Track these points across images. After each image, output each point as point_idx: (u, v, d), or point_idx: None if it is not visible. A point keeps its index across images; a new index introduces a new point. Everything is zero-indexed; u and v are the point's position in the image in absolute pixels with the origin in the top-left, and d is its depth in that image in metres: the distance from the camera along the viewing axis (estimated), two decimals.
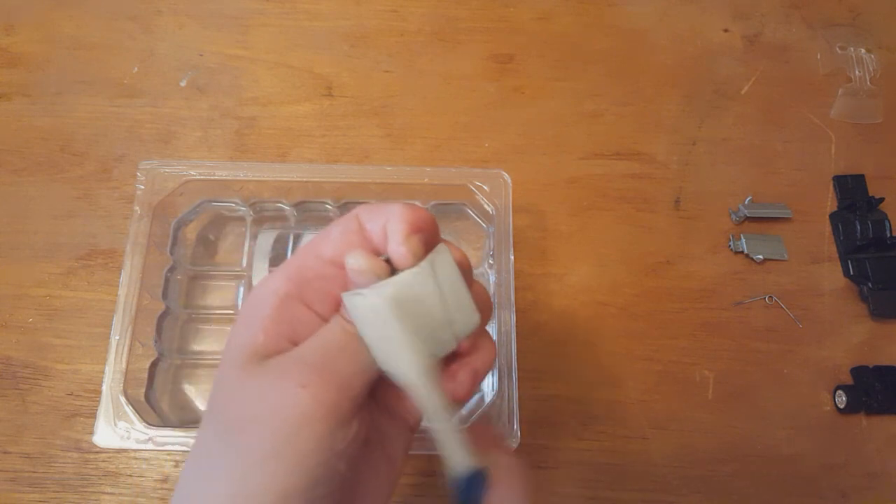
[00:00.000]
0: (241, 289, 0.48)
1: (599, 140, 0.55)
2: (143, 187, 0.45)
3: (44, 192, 0.51)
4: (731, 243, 0.52)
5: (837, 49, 0.60)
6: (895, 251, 0.51)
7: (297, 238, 0.49)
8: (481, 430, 0.32)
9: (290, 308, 0.25)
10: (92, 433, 0.39)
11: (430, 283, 0.24)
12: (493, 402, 0.41)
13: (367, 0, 0.59)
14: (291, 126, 0.54)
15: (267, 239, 0.48)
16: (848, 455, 0.46)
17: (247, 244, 0.49)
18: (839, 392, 0.47)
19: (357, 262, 0.24)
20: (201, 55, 0.57)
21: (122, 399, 0.39)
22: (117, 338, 0.41)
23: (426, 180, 0.46)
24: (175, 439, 0.39)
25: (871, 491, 0.46)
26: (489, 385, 0.43)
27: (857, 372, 0.48)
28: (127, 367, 0.40)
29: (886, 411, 0.47)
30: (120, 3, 0.58)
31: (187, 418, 0.45)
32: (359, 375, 0.24)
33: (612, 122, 0.56)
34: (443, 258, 0.25)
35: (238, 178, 0.45)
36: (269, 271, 0.47)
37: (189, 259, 0.49)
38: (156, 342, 0.44)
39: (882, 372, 0.48)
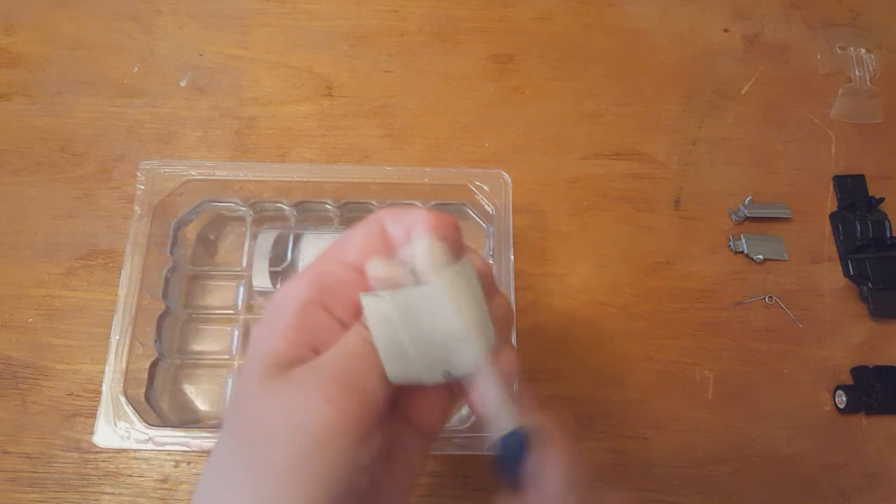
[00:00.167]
0: (241, 289, 0.48)
1: (599, 140, 0.55)
2: (143, 187, 0.45)
3: (44, 192, 0.51)
4: (731, 243, 0.52)
5: (837, 49, 0.60)
6: (895, 251, 0.51)
7: (297, 238, 0.49)
8: (527, 392, 0.30)
9: (311, 315, 0.24)
10: (92, 433, 0.39)
11: (450, 294, 0.23)
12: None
13: (367, 0, 0.59)
14: (291, 126, 0.54)
15: (267, 239, 0.48)
16: (848, 455, 0.46)
17: (247, 244, 0.49)
18: (839, 392, 0.47)
19: (378, 269, 0.24)
20: (201, 55, 0.57)
21: (122, 399, 0.39)
22: (117, 338, 0.41)
23: (426, 180, 0.46)
24: (175, 439, 0.39)
25: (871, 491, 0.46)
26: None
27: (857, 372, 0.48)
28: (127, 367, 0.40)
29: (886, 411, 0.47)
30: (120, 3, 0.58)
31: (187, 418, 0.45)
32: (381, 387, 0.23)
33: (612, 122, 0.56)
34: (465, 269, 0.24)
35: (238, 178, 0.45)
36: (269, 271, 0.47)
37: (189, 259, 0.49)
38: (156, 342, 0.44)
39: (882, 372, 0.48)
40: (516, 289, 0.45)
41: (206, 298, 0.49)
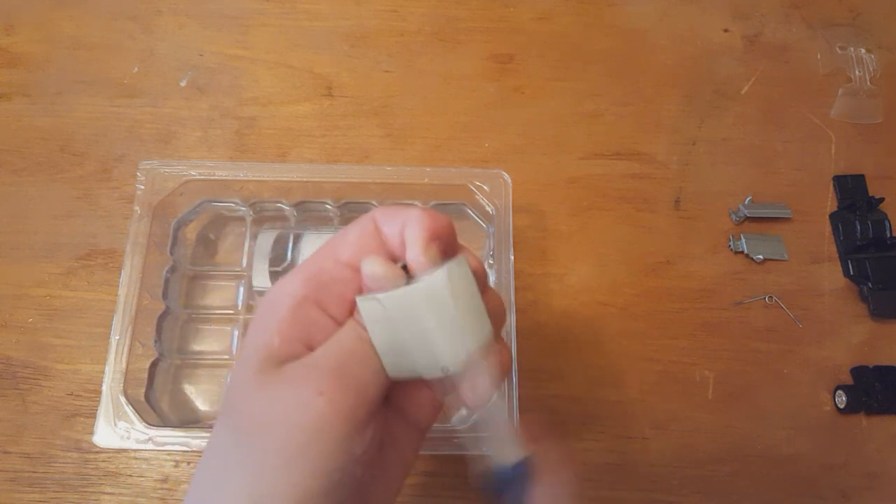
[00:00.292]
0: (241, 289, 0.48)
1: (599, 140, 0.55)
2: (143, 187, 0.45)
3: (44, 192, 0.51)
4: (731, 243, 0.52)
5: (837, 49, 0.60)
6: (895, 251, 0.51)
7: (297, 238, 0.49)
8: (530, 419, 0.31)
9: (305, 311, 0.24)
10: (92, 433, 0.39)
11: (445, 292, 0.24)
12: (492, 403, 0.41)
13: (367, 0, 0.59)
14: (291, 126, 0.54)
15: (267, 239, 0.48)
16: (848, 455, 0.46)
17: (247, 244, 0.49)
18: (839, 392, 0.47)
19: (372, 268, 0.24)
20: (201, 55, 0.57)
21: (122, 399, 0.39)
22: (117, 338, 0.41)
23: (426, 180, 0.46)
24: (175, 439, 0.39)
25: (871, 491, 0.46)
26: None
27: (857, 372, 0.48)
28: (127, 367, 0.40)
29: (886, 411, 0.47)
30: (120, 3, 0.58)
31: (187, 418, 0.45)
32: (374, 381, 0.24)
33: (612, 122, 0.56)
34: (460, 269, 0.24)
35: (238, 178, 0.45)
36: (269, 271, 0.47)
37: (189, 259, 0.49)
38: (156, 342, 0.44)
39: (882, 372, 0.48)
40: (516, 289, 0.45)
41: (206, 298, 0.49)
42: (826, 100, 0.58)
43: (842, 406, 0.47)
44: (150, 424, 0.39)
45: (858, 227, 0.52)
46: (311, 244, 0.48)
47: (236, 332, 0.47)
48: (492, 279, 0.45)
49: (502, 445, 0.25)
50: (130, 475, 0.44)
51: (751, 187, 0.54)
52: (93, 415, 0.41)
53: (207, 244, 0.50)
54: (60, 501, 0.43)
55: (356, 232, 0.26)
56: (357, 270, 0.25)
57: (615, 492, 0.45)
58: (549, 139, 0.55)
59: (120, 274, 0.42)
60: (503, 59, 0.58)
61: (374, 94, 0.56)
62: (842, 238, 0.52)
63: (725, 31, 0.60)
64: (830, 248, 0.52)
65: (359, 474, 0.23)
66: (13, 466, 0.43)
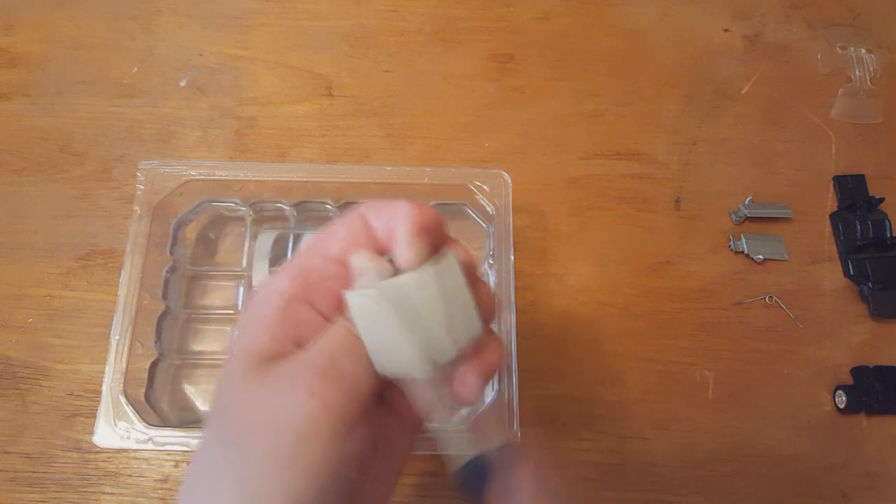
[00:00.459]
0: (241, 289, 0.48)
1: (599, 140, 0.55)
2: (142, 187, 0.45)
3: (44, 192, 0.51)
4: (732, 243, 0.52)
5: (838, 49, 0.60)
6: (895, 251, 0.51)
7: (297, 238, 0.49)
8: (483, 421, 0.31)
9: (294, 309, 0.24)
10: (92, 433, 0.39)
11: (434, 287, 0.24)
12: (493, 402, 0.41)
13: (367, 0, 0.59)
14: (291, 126, 0.54)
15: (267, 239, 0.48)
16: (848, 455, 0.46)
17: (247, 244, 0.49)
18: (839, 392, 0.47)
19: (361, 262, 0.24)
20: (201, 55, 0.57)
21: (122, 399, 0.39)
22: (117, 338, 0.41)
23: (426, 180, 0.46)
24: (175, 439, 0.39)
25: (871, 491, 0.46)
26: (490, 385, 0.43)
27: (858, 372, 0.48)
28: (127, 367, 0.40)
29: (887, 411, 0.47)
30: (120, 3, 0.58)
31: (187, 418, 0.45)
32: (366, 378, 0.24)
33: (612, 122, 0.56)
34: (449, 262, 0.24)
35: (238, 178, 0.45)
36: (270, 271, 0.47)
37: (189, 259, 0.49)
38: (156, 342, 0.44)
39: (882, 372, 0.48)
40: (516, 289, 0.45)
41: (205, 298, 0.49)
42: (826, 100, 0.58)
43: (842, 406, 0.47)
44: (149, 424, 0.39)
45: (859, 227, 0.52)
46: None
47: (236, 333, 0.47)
48: (492, 279, 0.45)
49: (455, 447, 0.25)
50: (130, 475, 0.43)
51: (751, 187, 0.54)
52: (93, 415, 0.41)
53: (207, 244, 0.50)
54: (60, 501, 0.43)
55: (344, 227, 0.25)
56: (346, 266, 0.24)
57: (615, 492, 0.45)
58: (549, 139, 0.55)
59: (120, 274, 0.42)
60: (503, 58, 0.58)
61: (374, 94, 0.56)
62: (842, 238, 0.52)
63: (726, 30, 0.60)
64: (831, 248, 0.52)
65: (352, 475, 0.23)
66: (13, 466, 0.43)
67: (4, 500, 0.43)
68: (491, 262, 0.45)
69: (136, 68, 0.56)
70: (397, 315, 0.23)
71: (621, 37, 0.59)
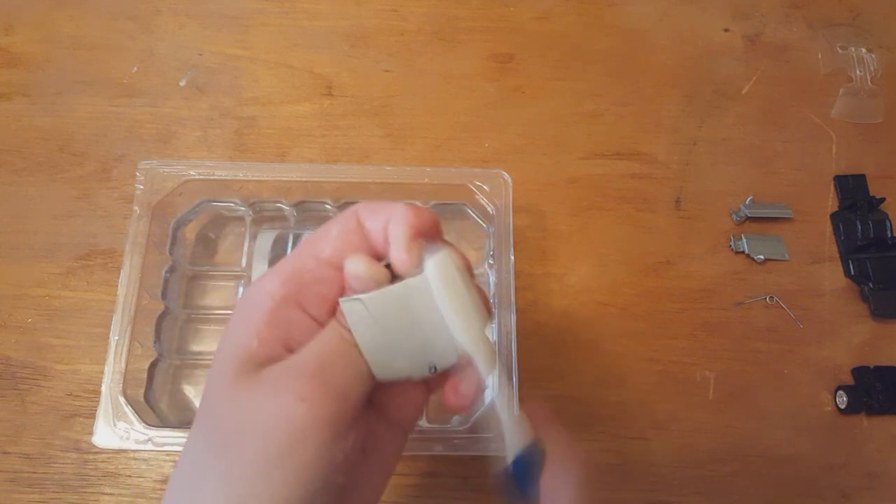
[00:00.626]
0: (241, 289, 0.48)
1: (599, 140, 0.55)
2: (142, 187, 0.45)
3: (44, 192, 0.51)
4: (732, 243, 0.52)
5: (838, 49, 0.60)
6: None
7: (297, 238, 0.49)
8: (536, 407, 0.30)
9: (285, 312, 0.24)
10: (91, 433, 0.39)
11: (431, 291, 0.23)
12: (493, 403, 0.41)
13: (367, 0, 0.59)
14: (291, 126, 0.54)
15: (266, 239, 0.48)
16: (848, 455, 0.46)
17: (246, 244, 0.49)
18: (840, 392, 0.47)
19: (357, 267, 0.23)
20: (201, 55, 0.56)
21: (122, 399, 0.39)
22: (116, 338, 0.41)
23: (426, 180, 0.46)
24: (174, 440, 0.39)
25: (871, 491, 0.46)
26: (490, 385, 0.43)
27: (858, 372, 0.48)
28: (126, 367, 0.40)
29: (887, 411, 0.47)
30: (120, 3, 0.58)
31: (187, 419, 0.45)
32: (357, 385, 0.23)
33: (612, 122, 0.56)
34: (445, 266, 0.24)
35: (238, 178, 0.45)
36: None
37: (188, 259, 0.49)
38: (155, 342, 0.44)
39: (883, 372, 0.48)
40: (516, 289, 0.45)
41: (205, 298, 0.49)
42: (827, 99, 0.58)
43: (842, 406, 0.47)
44: (149, 425, 0.39)
45: (859, 227, 0.52)
46: None
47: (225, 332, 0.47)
48: (492, 279, 0.45)
49: (507, 437, 0.25)
50: (130, 475, 0.43)
51: (751, 187, 0.54)
52: (92, 415, 0.41)
53: (207, 244, 0.50)
54: (60, 502, 0.43)
55: (338, 228, 0.25)
56: (339, 269, 0.24)
57: (615, 492, 0.45)
58: (549, 139, 0.55)
59: (119, 274, 0.42)
60: (503, 58, 0.58)
61: (374, 94, 0.56)
62: (843, 238, 0.52)
63: (726, 30, 0.60)
64: (831, 248, 0.52)
65: (340, 480, 0.22)
66: (12, 467, 0.43)
67: (4, 500, 0.43)
68: (491, 262, 0.45)
69: (135, 68, 0.56)
70: (394, 320, 0.23)
71: (621, 37, 0.59)
